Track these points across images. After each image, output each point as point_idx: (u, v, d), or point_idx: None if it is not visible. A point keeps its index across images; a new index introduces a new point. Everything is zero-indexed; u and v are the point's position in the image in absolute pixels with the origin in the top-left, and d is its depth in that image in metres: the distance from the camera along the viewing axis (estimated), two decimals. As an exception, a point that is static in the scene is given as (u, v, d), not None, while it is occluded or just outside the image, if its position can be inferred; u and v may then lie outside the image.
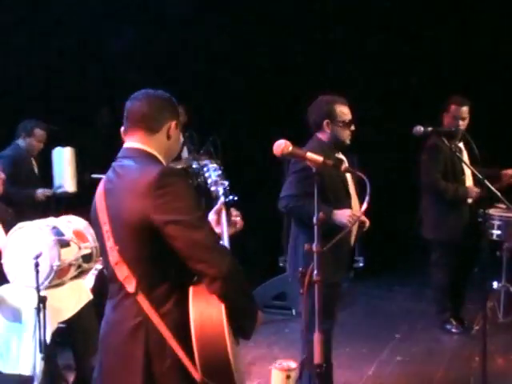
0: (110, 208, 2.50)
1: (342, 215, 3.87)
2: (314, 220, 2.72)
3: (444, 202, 5.64)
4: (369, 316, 6.49)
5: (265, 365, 4.93)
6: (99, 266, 5.18)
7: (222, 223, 2.78)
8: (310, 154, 2.78)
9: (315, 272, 2.71)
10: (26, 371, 4.18)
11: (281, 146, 2.79)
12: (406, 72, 7.99)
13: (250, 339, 2.62)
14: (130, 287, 2.46)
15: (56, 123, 6.50)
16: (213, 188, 2.91)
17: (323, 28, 8.08)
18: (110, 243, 2.49)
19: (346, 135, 4.12)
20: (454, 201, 5.61)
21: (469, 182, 5.65)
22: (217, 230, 2.77)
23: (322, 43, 8.12)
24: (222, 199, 2.82)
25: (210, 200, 6.83)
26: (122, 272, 2.48)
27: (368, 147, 6.78)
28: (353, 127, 4.13)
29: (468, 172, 5.58)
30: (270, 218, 6.22)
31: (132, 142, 2.58)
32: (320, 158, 2.77)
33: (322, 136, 4.13)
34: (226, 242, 2.72)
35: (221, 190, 2.88)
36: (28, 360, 4.16)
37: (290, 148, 2.77)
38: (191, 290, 2.42)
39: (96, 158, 6.79)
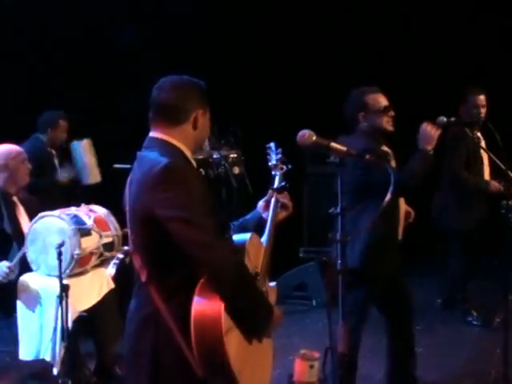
0: (130, 198, 2.52)
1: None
2: (338, 209, 2.69)
3: (466, 192, 5.61)
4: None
5: (285, 355, 4.93)
6: (121, 255, 5.23)
7: (269, 209, 2.77)
8: (333, 144, 2.75)
9: (339, 262, 2.68)
10: (47, 357, 4.23)
11: (304, 135, 2.77)
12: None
13: (263, 337, 2.59)
14: (143, 277, 2.48)
15: (75, 112, 6.53)
16: (272, 172, 2.89)
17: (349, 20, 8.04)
18: (129, 232, 2.53)
19: (384, 122, 4.07)
20: (475, 192, 5.58)
21: (487, 171, 5.67)
22: (264, 215, 2.78)
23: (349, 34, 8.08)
24: (275, 184, 2.80)
25: (230, 190, 6.86)
26: (137, 261, 2.51)
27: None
28: (391, 113, 4.09)
29: (486, 161, 5.60)
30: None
31: (156, 132, 2.56)
32: (344, 148, 2.75)
33: (365, 129, 4.08)
34: (267, 230, 2.71)
35: (278, 174, 2.86)
36: (49, 348, 4.20)
37: (314, 138, 2.75)
38: (199, 284, 2.40)
39: (119, 146, 6.84)
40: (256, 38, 7.95)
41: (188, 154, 2.54)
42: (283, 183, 2.87)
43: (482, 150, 5.52)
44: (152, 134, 2.57)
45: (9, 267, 4.26)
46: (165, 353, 2.43)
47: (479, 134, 5.58)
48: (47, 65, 7.20)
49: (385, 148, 4.13)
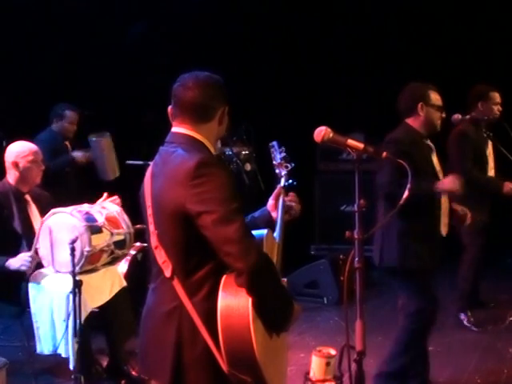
0: (153, 192, 2.53)
1: (447, 182, 4.05)
2: (356, 207, 2.68)
3: (474, 193, 5.58)
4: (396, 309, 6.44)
5: (296, 352, 4.93)
6: (133, 251, 5.23)
7: (278, 208, 2.77)
8: (350, 141, 2.74)
9: (356, 259, 2.67)
10: (62, 353, 4.24)
11: (321, 132, 2.76)
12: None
13: (283, 332, 2.61)
14: (167, 272, 2.48)
15: (90, 108, 6.54)
16: (276, 170, 2.89)
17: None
18: (151, 227, 2.53)
19: (438, 119, 4.21)
20: (484, 192, 5.54)
21: (491, 172, 5.65)
22: (273, 214, 2.78)
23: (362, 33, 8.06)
24: (281, 183, 2.80)
25: (242, 187, 6.84)
26: (161, 256, 2.50)
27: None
28: (444, 114, 4.23)
29: (491, 162, 5.61)
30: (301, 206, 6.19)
31: (180, 127, 2.56)
32: (361, 145, 2.73)
33: (413, 122, 4.21)
34: (278, 228, 2.71)
35: (283, 173, 2.86)
36: (62, 343, 4.22)
37: (331, 134, 2.73)
38: (223, 279, 2.42)
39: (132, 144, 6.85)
40: (270, 34, 7.95)
41: (212, 149, 2.57)
42: (291, 181, 2.88)
43: (487, 151, 5.51)
44: (176, 129, 2.57)
45: (31, 256, 4.28)
46: (188, 346, 2.45)
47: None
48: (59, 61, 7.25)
49: (429, 143, 4.25)
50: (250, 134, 6.70)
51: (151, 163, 2.61)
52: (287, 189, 2.83)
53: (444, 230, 4.27)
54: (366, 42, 8.04)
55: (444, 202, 4.25)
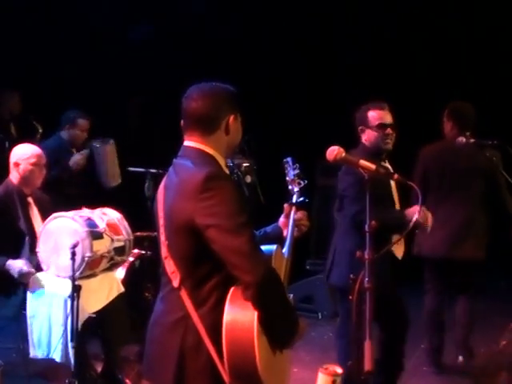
0: (165, 204, 2.55)
1: (413, 212, 3.82)
2: (366, 228, 2.70)
3: None
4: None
5: (290, 368, 4.91)
6: (131, 258, 5.24)
7: (289, 225, 2.80)
8: (363, 162, 2.77)
9: (366, 279, 2.69)
10: (56, 357, 4.25)
11: (334, 151, 2.79)
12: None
13: (287, 348, 2.63)
14: (175, 282, 2.51)
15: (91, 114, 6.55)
16: (289, 187, 2.91)
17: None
18: (162, 237, 2.56)
19: (379, 139, 4.09)
20: None
21: None
22: (285, 232, 2.83)
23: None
24: (294, 199, 2.82)
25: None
26: (170, 266, 2.53)
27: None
28: (388, 130, 4.09)
29: None
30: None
31: (190, 141, 2.59)
32: (373, 166, 2.76)
33: (364, 144, 4.17)
34: (287, 243, 2.74)
35: (295, 190, 2.88)
36: (58, 347, 4.22)
37: (343, 154, 2.77)
38: (231, 292, 2.44)
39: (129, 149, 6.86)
40: (274, 47, 7.98)
41: (222, 162, 2.58)
42: (302, 198, 2.89)
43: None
44: (186, 142, 2.60)
45: (28, 272, 4.29)
46: (192, 357, 2.47)
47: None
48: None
49: (386, 164, 4.15)
50: (252, 146, 6.72)
51: (166, 175, 2.64)
52: (298, 206, 2.83)
53: (399, 253, 4.19)
54: (372, 57, 8.08)
55: None
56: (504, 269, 7.49)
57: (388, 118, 4.13)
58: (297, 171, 2.97)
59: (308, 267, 7.30)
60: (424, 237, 4.91)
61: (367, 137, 4.13)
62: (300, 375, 4.72)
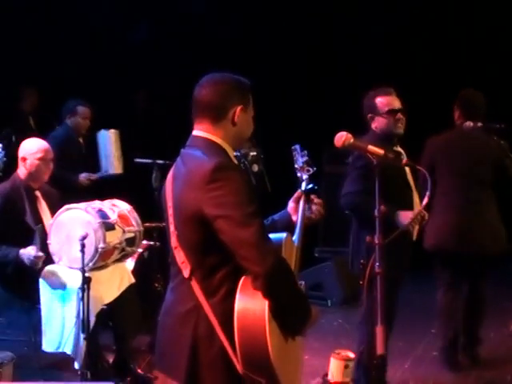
0: (174, 194, 2.55)
1: (406, 217, 3.83)
2: (376, 213, 2.70)
3: None
4: (406, 309, 6.44)
5: (303, 355, 4.93)
6: (140, 249, 5.25)
7: (299, 212, 2.77)
8: (371, 147, 2.77)
9: (377, 264, 2.69)
10: (68, 350, 4.27)
11: (342, 137, 2.78)
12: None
13: (300, 336, 2.62)
14: (186, 272, 2.50)
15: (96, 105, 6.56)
16: (298, 174, 2.90)
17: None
18: (172, 227, 2.55)
19: (391, 124, 4.07)
20: None
21: None
22: (294, 218, 2.80)
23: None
24: (302, 187, 2.80)
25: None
26: (180, 257, 2.53)
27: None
28: (399, 115, 4.07)
29: None
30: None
31: (198, 130, 2.58)
32: (381, 151, 2.76)
33: (375, 130, 4.13)
34: (297, 231, 2.72)
35: (304, 177, 2.86)
36: (70, 340, 4.24)
37: (352, 140, 2.76)
38: (241, 281, 2.44)
39: (135, 141, 6.88)
40: (278, 37, 7.97)
41: (230, 152, 2.56)
42: (311, 185, 2.86)
43: None
44: (195, 132, 2.60)
45: (36, 256, 4.28)
46: (205, 347, 2.47)
47: None
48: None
49: (398, 148, 4.14)
50: (258, 135, 6.71)
51: (173, 165, 2.63)
52: (307, 193, 2.82)
53: (415, 234, 4.20)
54: (375, 46, 8.06)
55: (416, 206, 4.14)
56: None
57: (397, 103, 4.11)
58: (305, 158, 2.93)
59: (316, 254, 7.30)
60: (431, 229, 4.79)
61: (377, 124, 4.11)
62: (310, 362, 4.73)
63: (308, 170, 2.89)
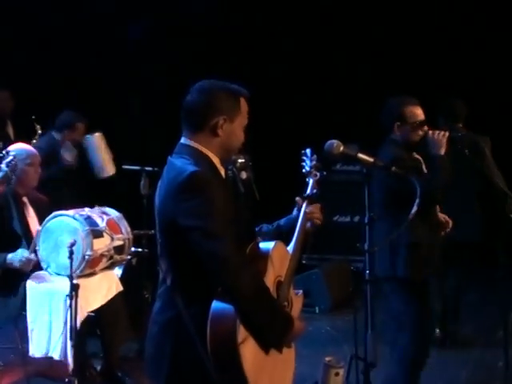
0: (157, 202, 2.55)
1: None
2: (366, 220, 2.70)
3: None
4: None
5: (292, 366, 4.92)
6: (128, 257, 5.24)
7: (299, 217, 2.73)
8: (361, 155, 2.78)
9: (367, 272, 2.69)
10: (56, 355, 4.26)
11: (332, 145, 2.78)
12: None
13: (279, 348, 2.54)
14: (169, 281, 2.50)
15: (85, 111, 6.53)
16: (307, 179, 2.85)
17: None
18: (158, 235, 2.55)
19: (416, 136, 4.05)
20: None
21: None
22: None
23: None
24: (307, 192, 2.77)
25: (237, 195, 6.84)
26: (164, 265, 2.53)
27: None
28: (425, 127, 4.07)
29: None
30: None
31: (184, 137, 2.57)
32: (371, 159, 2.77)
33: (395, 138, 4.08)
34: (295, 237, 2.68)
35: (310, 182, 2.81)
36: (58, 346, 4.22)
37: (341, 148, 2.76)
38: (217, 292, 2.42)
39: (126, 147, 6.85)
40: (273, 41, 8.00)
41: (216, 161, 2.53)
42: (314, 191, 2.81)
43: None
44: (181, 139, 2.58)
45: (27, 258, 4.28)
46: (184, 357, 2.46)
47: None
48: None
49: (415, 155, 4.14)
50: (247, 142, 6.70)
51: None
52: (310, 198, 2.78)
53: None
54: (379, 53, 8.08)
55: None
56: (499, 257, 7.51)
57: (423, 114, 4.11)
58: (314, 162, 2.87)
59: (304, 261, 7.31)
60: None
61: (403, 132, 4.06)
62: (298, 370, 4.64)
63: (315, 175, 2.83)
